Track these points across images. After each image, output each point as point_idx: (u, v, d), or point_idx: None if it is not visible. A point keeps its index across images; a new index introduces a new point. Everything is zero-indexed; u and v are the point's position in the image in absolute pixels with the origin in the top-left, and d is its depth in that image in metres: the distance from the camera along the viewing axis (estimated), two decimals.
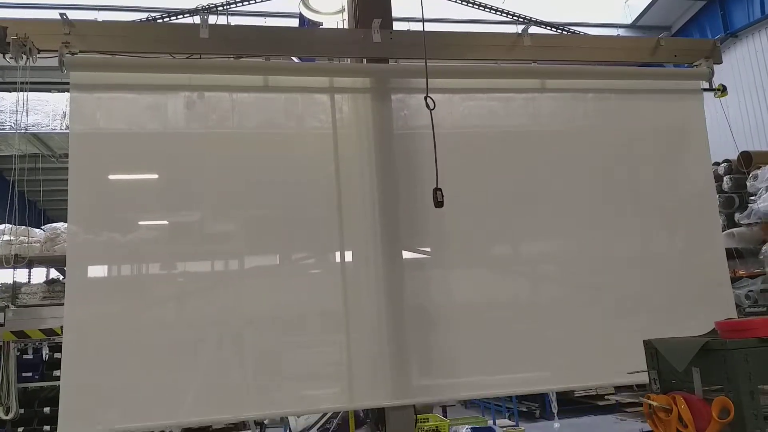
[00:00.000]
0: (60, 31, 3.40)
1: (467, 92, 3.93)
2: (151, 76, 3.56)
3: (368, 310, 3.60)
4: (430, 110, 3.12)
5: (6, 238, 7.07)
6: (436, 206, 2.99)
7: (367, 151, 3.75)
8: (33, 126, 11.26)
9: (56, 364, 7.20)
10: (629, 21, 12.82)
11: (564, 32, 4.17)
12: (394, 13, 3.99)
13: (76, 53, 3.43)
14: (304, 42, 3.78)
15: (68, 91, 3.42)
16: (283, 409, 3.77)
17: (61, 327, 4.05)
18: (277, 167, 3.68)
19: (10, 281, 7.26)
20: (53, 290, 7.08)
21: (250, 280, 3.63)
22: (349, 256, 4.21)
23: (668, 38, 4.23)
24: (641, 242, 4.09)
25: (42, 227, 7.35)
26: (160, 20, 3.61)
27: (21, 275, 7.45)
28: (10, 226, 7.35)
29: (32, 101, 11.24)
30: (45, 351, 6.20)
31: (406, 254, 3.74)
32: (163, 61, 3.55)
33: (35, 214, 16.20)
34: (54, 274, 8.33)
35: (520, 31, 4.07)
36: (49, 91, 11.25)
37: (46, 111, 11.40)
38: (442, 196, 2.99)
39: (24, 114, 10.94)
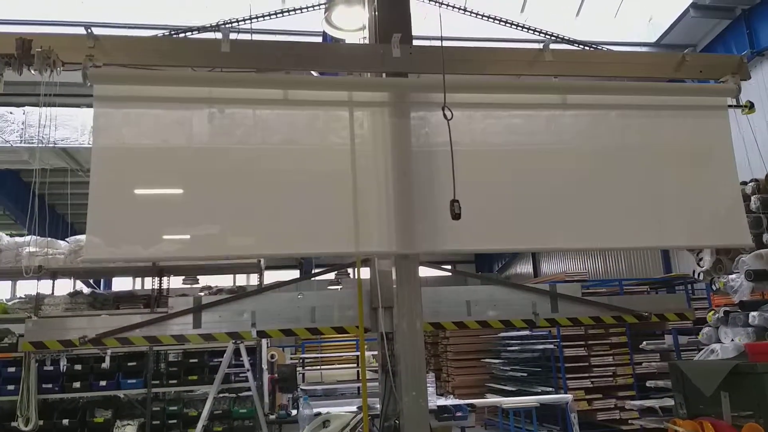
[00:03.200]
0: (84, 45, 3.45)
1: (487, 107, 3.89)
2: (173, 90, 3.59)
3: None
4: (448, 120, 3.09)
5: (30, 249, 7.18)
6: (453, 218, 2.94)
7: (384, 166, 3.72)
8: (61, 140, 11.49)
9: (76, 375, 7.27)
10: (653, 39, 12.69)
11: (586, 48, 4.11)
12: (416, 33, 3.99)
13: (100, 66, 3.48)
14: (324, 57, 3.80)
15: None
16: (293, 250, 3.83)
17: (79, 338, 4.07)
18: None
19: (34, 292, 7.37)
20: (76, 302, 7.16)
21: None
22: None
23: (693, 54, 4.17)
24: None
25: (66, 239, 7.46)
26: (183, 35, 3.65)
27: (45, 287, 7.56)
28: (35, 237, 7.48)
29: (60, 116, 11.48)
30: (63, 362, 6.23)
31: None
32: (185, 74, 3.58)
33: (62, 227, 16.51)
34: (78, 285, 8.42)
35: (541, 47, 4.03)
36: (78, 106, 11.49)
37: (75, 126, 11.63)
38: (460, 207, 2.95)
39: (51, 128, 11.19)
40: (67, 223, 18.06)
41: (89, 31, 3.44)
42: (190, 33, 3.64)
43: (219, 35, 3.67)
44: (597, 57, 4.11)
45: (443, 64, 3.17)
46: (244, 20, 3.67)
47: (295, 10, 3.78)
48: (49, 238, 7.51)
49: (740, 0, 11.56)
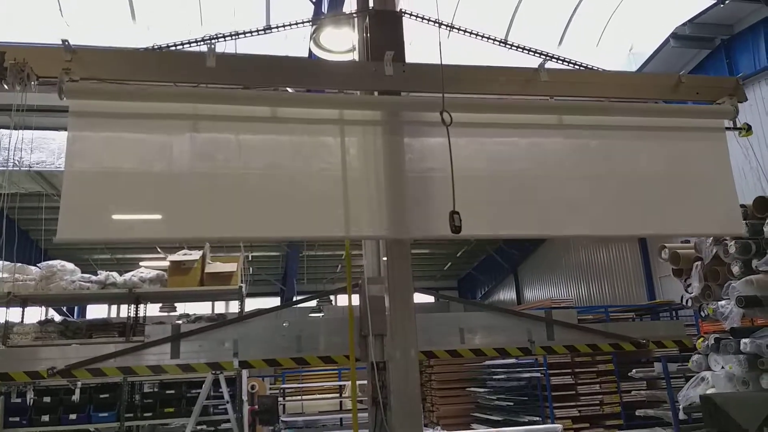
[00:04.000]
0: (60, 58, 3.27)
1: (481, 126, 3.76)
2: (155, 106, 3.41)
3: None
4: (447, 126, 2.95)
5: (0, 275, 6.85)
6: (453, 231, 2.79)
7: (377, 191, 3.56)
8: (36, 164, 11.20)
9: (44, 408, 6.88)
10: (634, 68, 12.88)
11: (581, 68, 4.04)
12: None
13: (77, 81, 3.29)
14: (314, 73, 3.66)
15: None
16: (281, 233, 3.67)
17: (48, 370, 3.79)
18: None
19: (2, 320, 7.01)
20: (46, 330, 6.82)
21: None
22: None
23: (689, 75, 4.11)
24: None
25: (38, 265, 7.15)
26: (166, 48, 3.48)
27: (15, 314, 7.20)
28: (4, 262, 7.14)
29: (38, 139, 11.20)
30: (30, 395, 5.87)
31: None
32: (167, 89, 3.40)
33: (35, 253, 16.02)
34: (51, 313, 8.05)
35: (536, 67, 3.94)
36: (55, 128, 11.21)
37: (51, 149, 11.35)
38: (460, 220, 2.80)
39: (26, 150, 10.89)
40: (40, 249, 17.59)
41: (66, 42, 3.26)
42: (174, 47, 3.47)
43: (204, 49, 3.51)
44: (593, 77, 4.03)
45: (441, 61, 3.05)
46: (230, 36, 3.52)
47: (284, 25, 3.63)
48: (19, 264, 7.18)
49: (719, 30, 11.79)
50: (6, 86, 3.20)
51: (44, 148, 11.33)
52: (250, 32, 3.64)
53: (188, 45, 3.54)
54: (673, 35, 11.90)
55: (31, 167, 11.13)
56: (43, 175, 11.74)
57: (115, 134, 3.33)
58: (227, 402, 6.78)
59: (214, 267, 7.05)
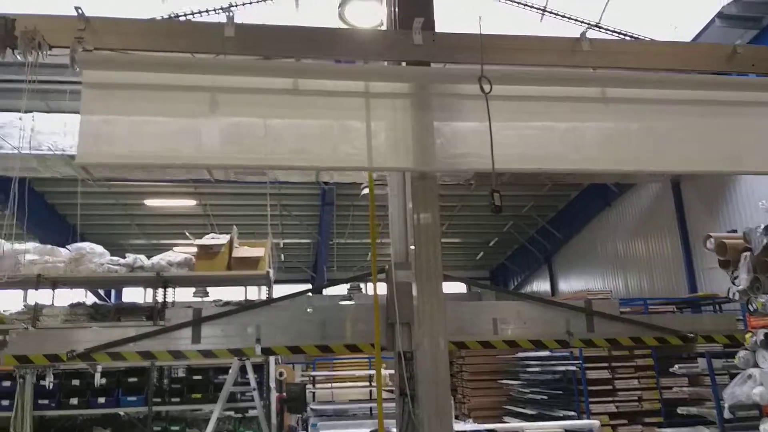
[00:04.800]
0: (73, 27, 3.12)
1: (519, 99, 3.47)
2: (171, 77, 3.23)
3: None
4: (486, 94, 2.70)
5: (30, 257, 6.86)
6: (492, 210, 2.55)
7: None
8: (70, 148, 11.25)
9: (73, 391, 6.90)
10: None
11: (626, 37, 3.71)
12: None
13: (91, 50, 3.14)
14: (337, 43, 3.44)
15: None
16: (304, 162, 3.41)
17: (67, 353, 3.70)
18: None
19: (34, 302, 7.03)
20: (75, 313, 6.82)
21: None
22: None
23: (746, 46, 3.75)
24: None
25: (67, 247, 7.14)
26: (183, 17, 3.30)
27: (46, 296, 7.22)
28: (36, 245, 7.17)
29: (71, 122, 11.25)
30: (50, 378, 5.86)
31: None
32: (185, 59, 3.22)
33: (72, 238, 16.30)
34: (89, 296, 8.06)
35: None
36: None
37: None
38: (501, 199, 2.56)
39: (61, 135, 10.98)
40: (78, 234, 17.91)
41: (79, 11, 3.10)
42: (191, 15, 3.29)
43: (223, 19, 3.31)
44: (638, 47, 3.71)
45: (480, 30, 2.78)
46: (250, 2, 3.31)
47: None
48: (49, 246, 7.19)
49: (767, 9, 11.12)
50: (18, 56, 3.06)
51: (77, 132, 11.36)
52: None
53: (206, 14, 3.35)
54: (719, 14, 11.25)
55: (64, 151, 11.18)
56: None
57: (133, 105, 3.16)
58: (254, 389, 6.67)
59: (242, 251, 6.94)
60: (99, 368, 6.17)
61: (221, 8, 3.27)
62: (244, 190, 15.59)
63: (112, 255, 7.26)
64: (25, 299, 7.03)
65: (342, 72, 3.39)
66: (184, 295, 9.15)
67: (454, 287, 19.40)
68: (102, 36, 3.19)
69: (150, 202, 17.08)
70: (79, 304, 6.99)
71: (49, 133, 11.34)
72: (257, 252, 6.86)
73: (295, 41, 3.35)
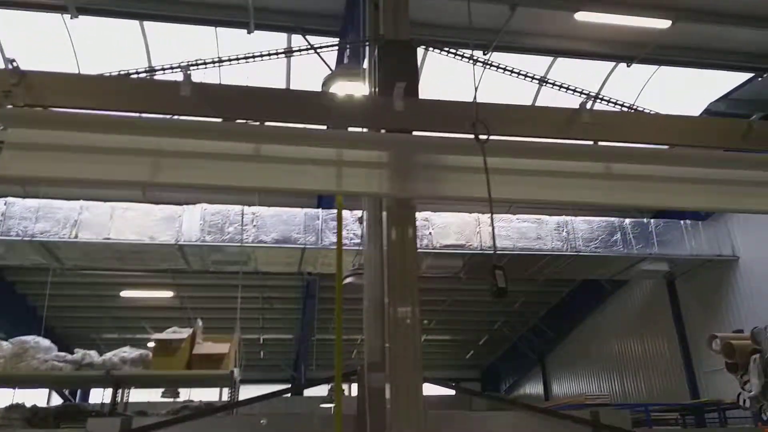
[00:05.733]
0: (5, 80, 2.70)
1: (518, 174, 3.04)
2: (110, 138, 2.77)
3: None
4: (482, 144, 2.25)
5: None
6: (494, 294, 2.04)
7: None
8: (40, 234, 10.73)
9: None
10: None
11: (629, 109, 3.37)
12: None
13: (21, 106, 2.70)
14: (307, 106, 3.03)
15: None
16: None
17: None
18: None
19: None
20: (10, 417, 5.97)
21: None
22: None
23: (762, 122, 3.40)
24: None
25: (10, 340, 6.40)
26: (135, 75, 2.91)
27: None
28: None
29: (46, 209, 10.79)
30: None
31: None
32: (126, 120, 2.79)
33: (44, 331, 15.28)
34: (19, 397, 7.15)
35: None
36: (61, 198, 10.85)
37: (57, 218, 10.91)
38: (505, 280, 2.05)
39: (30, 220, 10.48)
40: (49, 328, 16.89)
41: (13, 64, 2.69)
42: (144, 74, 2.90)
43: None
44: (645, 120, 3.35)
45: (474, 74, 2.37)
46: (212, 63, 2.94)
47: (277, 53, 3.06)
48: None
49: (756, 106, 11.19)
50: None
51: (49, 218, 10.89)
52: (236, 59, 3.07)
53: (162, 72, 2.96)
54: (707, 110, 11.34)
55: (33, 237, 10.63)
56: (46, 246, 11.22)
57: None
58: None
59: (204, 348, 6.22)
60: None
61: (189, 64, 2.86)
62: (222, 281, 14.93)
63: (87, 349, 6.52)
64: None
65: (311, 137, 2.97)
66: (154, 395, 8.27)
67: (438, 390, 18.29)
68: (39, 92, 2.77)
69: (126, 294, 16.29)
70: (15, 407, 6.16)
71: (19, 218, 10.84)
72: (221, 348, 6.15)
73: (258, 103, 2.94)
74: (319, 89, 4.92)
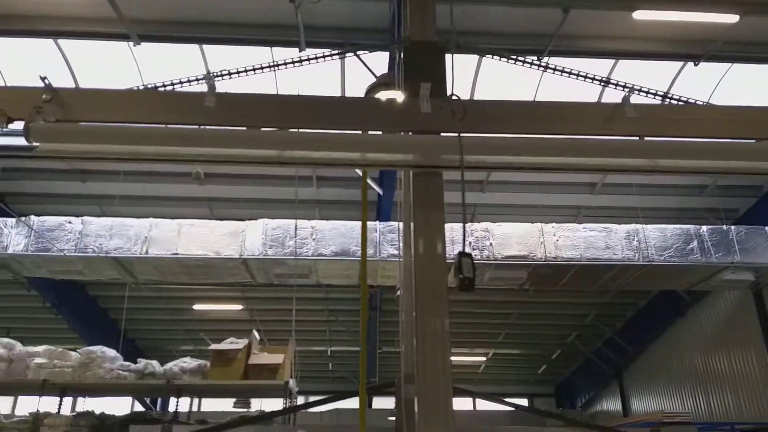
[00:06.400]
0: (36, 97, 2.81)
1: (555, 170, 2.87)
2: (143, 150, 2.83)
3: None
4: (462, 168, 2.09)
5: (39, 360, 6.46)
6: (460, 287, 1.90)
7: None
8: (114, 250, 11.28)
9: None
10: None
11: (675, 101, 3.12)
12: None
13: (53, 121, 2.81)
14: (329, 112, 2.99)
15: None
16: None
17: None
18: None
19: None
20: (77, 424, 6.24)
21: None
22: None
23: None
24: None
25: (78, 350, 6.71)
26: (161, 88, 2.96)
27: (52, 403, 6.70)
28: (48, 347, 6.78)
29: (116, 225, 11.37)
30: None
31: None
32: (154, 130, 2.84)
33: (123, 344, 16.05)
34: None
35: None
36: (136, 216, 11.40)
37: (129, 235, 11.45)
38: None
39: (105, 237, 11.06)
40: (130, 339, 17.72)
41: (46, 81, 2.81)
42: (170, 86, 2.95)
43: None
44: (692, 112, 3.08)
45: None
46: (236, 72, 2.96)
47: (315, 57, 3.04)
48: (60, 349, 6.79)
49: None
50: None
51: (122, 235, 11.43)
52: (261, 68, 3.07)
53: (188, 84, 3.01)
54: None
55: (108, 253, 11.19)
56: (120, 262, 11.78)
57: None
58: None
59: (259, 358, 6.28)
60: None
61: (214, 74, 2.89)
62: (288, 294, 15.19)
63: (162, 361, 6.75)
64: (13, 407, 6.54)
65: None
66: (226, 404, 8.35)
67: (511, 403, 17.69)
68: (69, 107, 2.87)
69: (198, 307, 16.88)
70: (84, 414, 6.43)
71: (95, 236, 11.44)
72: (276, 359, 6.18)
73: (280, 110, 2.93)
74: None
